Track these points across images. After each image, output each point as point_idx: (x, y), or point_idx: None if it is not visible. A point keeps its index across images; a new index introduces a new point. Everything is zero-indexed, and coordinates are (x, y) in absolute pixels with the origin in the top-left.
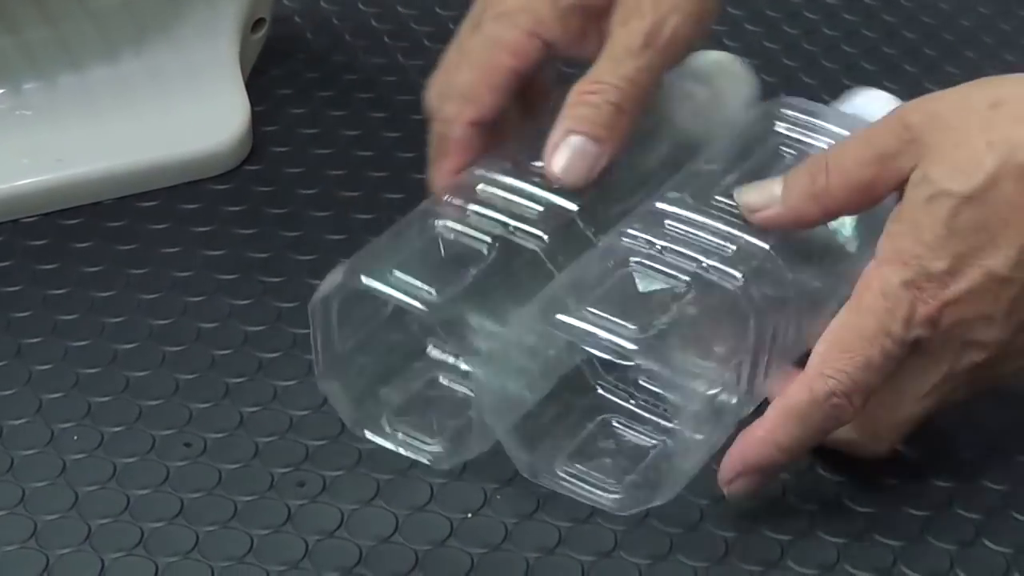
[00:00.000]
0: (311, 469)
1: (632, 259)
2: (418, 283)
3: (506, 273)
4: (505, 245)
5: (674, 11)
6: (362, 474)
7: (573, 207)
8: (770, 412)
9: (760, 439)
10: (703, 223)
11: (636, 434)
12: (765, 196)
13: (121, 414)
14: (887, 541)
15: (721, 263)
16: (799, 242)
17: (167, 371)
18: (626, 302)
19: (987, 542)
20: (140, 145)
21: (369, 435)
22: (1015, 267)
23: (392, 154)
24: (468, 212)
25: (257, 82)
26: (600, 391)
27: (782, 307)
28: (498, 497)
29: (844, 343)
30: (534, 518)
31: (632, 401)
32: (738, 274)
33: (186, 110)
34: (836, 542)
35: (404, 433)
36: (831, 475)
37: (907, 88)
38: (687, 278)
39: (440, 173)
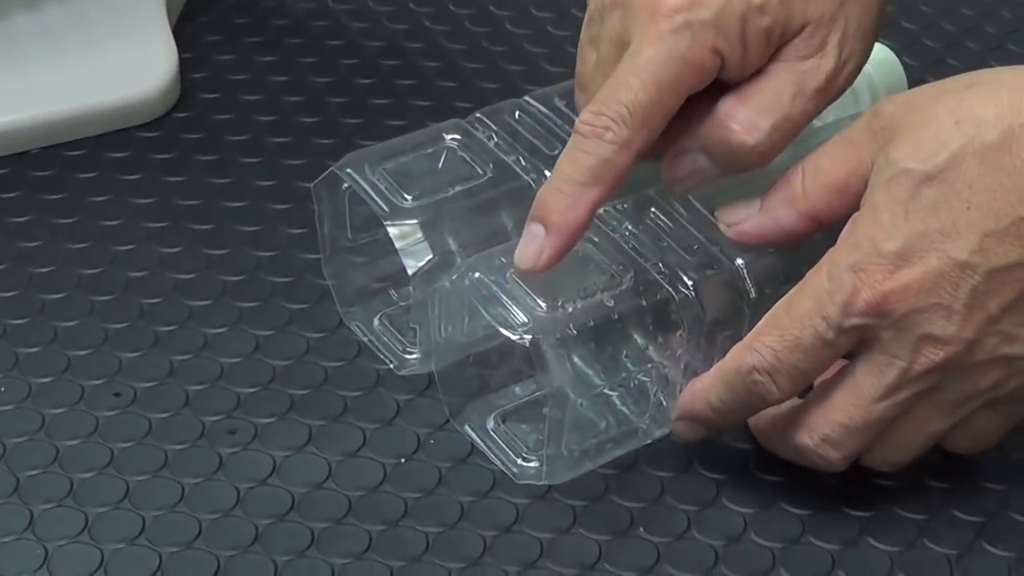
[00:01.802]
0: (242, 417)
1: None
2: (396, 186)
3: (494, 199)
4: (503, 170)
5: (852, 56)
6: (293, 421)
7: None
8: (711, 370)
9: (696, 392)
10: (686, 222)
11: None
12: (744, 210)
13: (49, 365)
14: (794, 510)
15: (678, 266)
16: (784, 267)
17: (96, 321)
18: (553, 278)
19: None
20: (66, 93)
21: (356, 329)
22: (976, 253)
23: (322, 99)
24: (489, 134)
25: (185, 28)
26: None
27: (729, 325)
28: (431, 442)
29: (778, 320)
30: (468, 462)
31: (603, 380)
32: (689, 282)
33: (112, 57)
34: (743, 512)
35: (390, 337)
36: (739, 444)
37: (927, 63)
38: (630, 271)
39: (587, 202)
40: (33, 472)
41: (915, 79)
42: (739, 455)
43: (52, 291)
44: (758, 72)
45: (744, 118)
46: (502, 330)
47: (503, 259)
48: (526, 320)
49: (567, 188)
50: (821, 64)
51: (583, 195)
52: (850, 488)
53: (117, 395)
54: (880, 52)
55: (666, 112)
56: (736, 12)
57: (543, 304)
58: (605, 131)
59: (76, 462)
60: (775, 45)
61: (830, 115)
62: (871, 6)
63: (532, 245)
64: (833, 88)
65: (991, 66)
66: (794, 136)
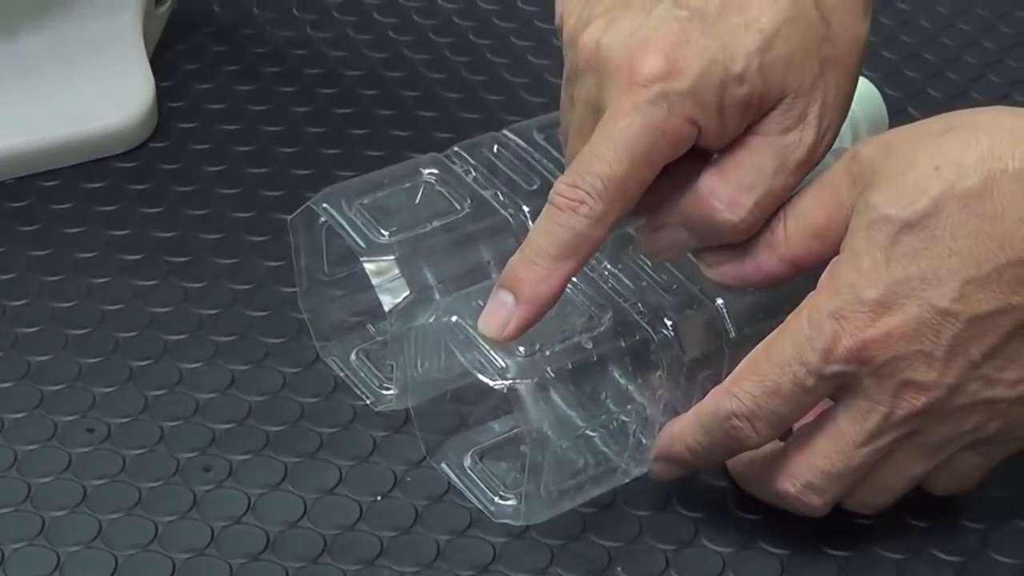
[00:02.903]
0: (217, 453)
1: None
2: (373, 221)
3: (472, 234)
4: (481, 205)
5: (832, 126)
6: (269, 458)
7: None
8: (689, 412)
9: (674, 434)
10: (665, 262)
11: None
12: (725, 251)
13: (22, 400)
14: (773, 550)
15: (657, 306)
16: (765, 306)
17: (69, 355)
18: None
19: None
20: (42, 123)
21: (332, 364)
22: (958, 301)
23: (301, 129)
24: (467, 168)
25: (162, 57)
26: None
27: (709, 365)
28: (408, 479)
29: (758, 365)
30: (444, 500)
31: (584, 422)
32: (668, 322)
33: (89, 87)
34: (722, 552)
35: (366, 372)
36: (718, 482)
37: (908, 93)
38: (608, 312)
39: (560, 275)
40: (4, 510)
41: (896, 109)
42: (718, 493)
43: (25, 324)
44: (738, 144)
45: (726, 195)
46: (480, 376)
47: (481, 302)
48: (504, 365)
49: (540, 261)
50: (802, 137)
51: (556, 268)
52: (829, 527)
53: (91, 431)
54: (861, 85)
55: (641, 183)
56: (714, 81)
57: (521, 348)
58: (580, 205)
59: (48, 500)
60: (752, 114)
61: None
62: (849, 72)
63: (500, 313)
64: (814, 160)
65: (972, 97)
66: (774, 209)
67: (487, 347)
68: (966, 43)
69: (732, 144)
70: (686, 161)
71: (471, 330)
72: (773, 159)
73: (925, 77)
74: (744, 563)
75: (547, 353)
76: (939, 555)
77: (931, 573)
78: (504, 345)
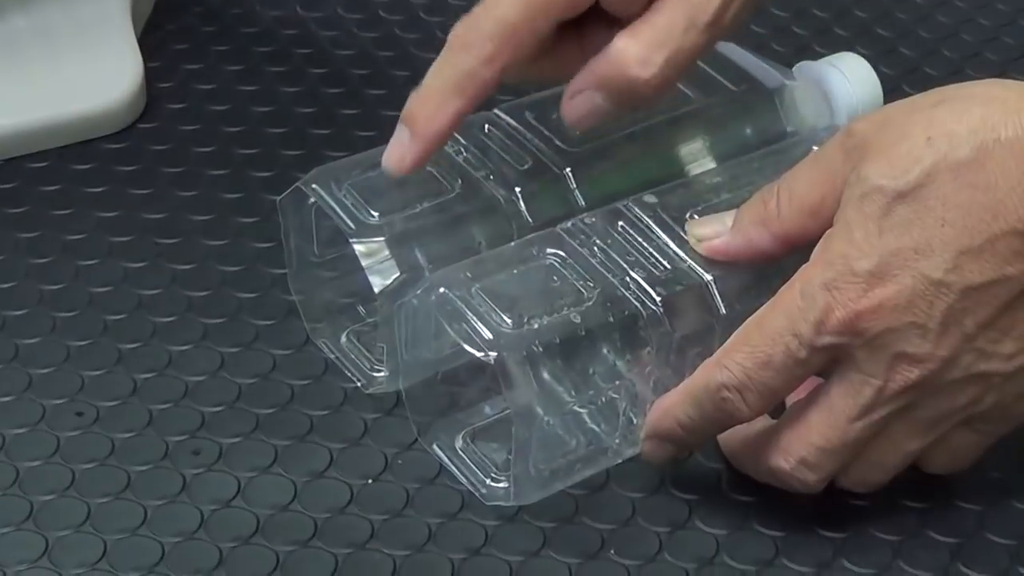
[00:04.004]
0: (207, 436)
1: (550, 250)
2: (363, 202)
3: (463, 214)
4: (472, 185)
5: None
6: (259, 441)
7: (564, 167)
8: (679, 386)
9: (664, 408)
10: (655, 236)
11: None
12: (716, 226)
13: (10, 383)
14: (768, 532)
15: (646, 281)
16: (755, 283)
17: (58, 337)
18: (518, 294)
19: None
20: (29, 104)
21: (323, 346)
22: (951, 272)
23: (291, 109)
24: (458, 148)
25: (151, 37)
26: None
27: (699, 342)
28: (399, 462)
29: (749, 337)
30: (436, 483)
31: (571, 398)
32: (657, 297)
33: (76, 67)
34: (716, 534)
35: (357, 354)
36: (712, 464)
37: (903, 71)
38: (597, 287)
39: (449, 112)
40: None
41: (891, 88)
42: (711, 475)
43: (13, 307)
44: (648, 8)
45: (637, 52)
46: (467, 347)
47: (468, 274)
48: (491, 337)
49: (432, 97)
50: None
51: (445, 105)
52: (824, 509)
53: (79, 415)
54: (856, 65)
55: (535, 33)
56: None
57: (508, 320)
58: (471, 46)
59: (36, 484)
60: None
61: (806, 124)
62: None
63: (397, 149)
64: (723, 22)
65: (968, 75)
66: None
67: (474, 318)
68: (962, 20)
69: (642, 10)
70: (600, 29)
71: (458, 301)
72: (683, 18)
73: (920, 55)
74: (738, 545)
75: (535, 326)
76: (935, 536)
77: (927, 554)
78: (491, 317)
